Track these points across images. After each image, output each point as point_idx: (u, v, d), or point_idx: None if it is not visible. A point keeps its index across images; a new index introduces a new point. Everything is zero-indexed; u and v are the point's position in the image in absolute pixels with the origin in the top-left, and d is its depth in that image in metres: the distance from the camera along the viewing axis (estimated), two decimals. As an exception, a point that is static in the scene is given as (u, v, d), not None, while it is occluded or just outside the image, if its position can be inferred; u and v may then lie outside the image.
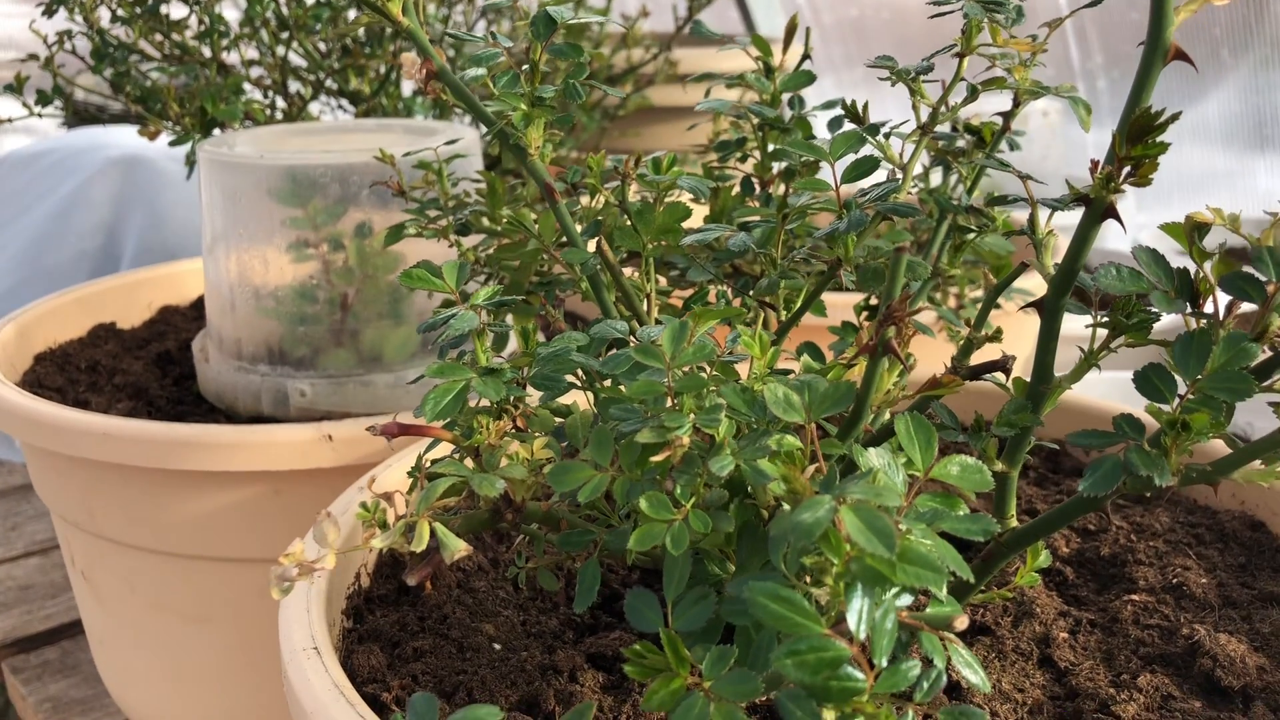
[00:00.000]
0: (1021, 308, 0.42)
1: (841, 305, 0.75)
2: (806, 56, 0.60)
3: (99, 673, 0.90)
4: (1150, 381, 0.39)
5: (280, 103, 1.17)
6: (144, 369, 0.88)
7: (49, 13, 1.05)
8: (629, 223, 0.55)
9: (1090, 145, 1.99)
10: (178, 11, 1.09)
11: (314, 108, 1.20)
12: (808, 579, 0.34)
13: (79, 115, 1.21)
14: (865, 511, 0.30)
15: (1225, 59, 1.72)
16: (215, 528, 0.71)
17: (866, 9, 2.05)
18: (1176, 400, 0.38)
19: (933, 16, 0.45)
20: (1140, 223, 1.87)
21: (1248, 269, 0.39)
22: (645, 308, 0.56)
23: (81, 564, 0.80)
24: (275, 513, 0.71)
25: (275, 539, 0.72)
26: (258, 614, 0.74)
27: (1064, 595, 0.57)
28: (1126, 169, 0.36)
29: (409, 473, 0.44)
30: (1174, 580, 0.56)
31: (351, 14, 1.22)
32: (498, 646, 0.53)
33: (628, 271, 0.57)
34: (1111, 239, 1.73)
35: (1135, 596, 0.55)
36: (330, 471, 0.69)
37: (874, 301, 0.61)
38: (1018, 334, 0.90)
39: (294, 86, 1.19)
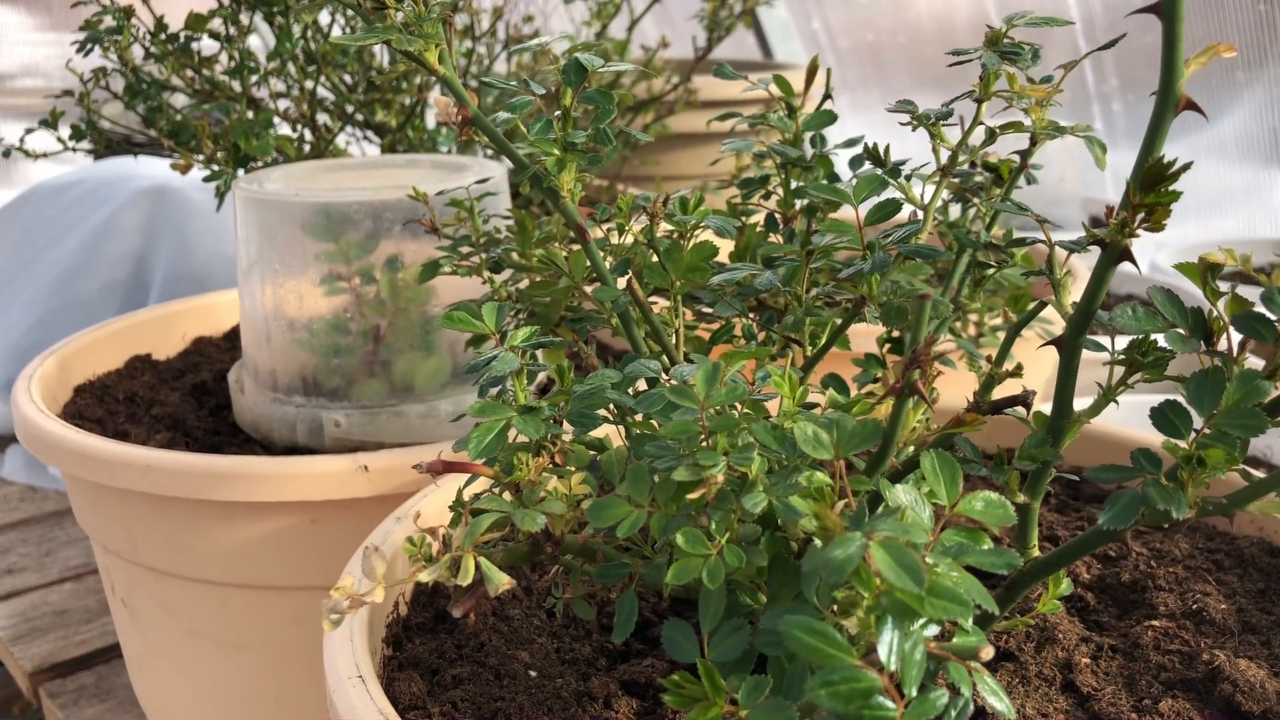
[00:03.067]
0: (1041, 345, 0.44)
1: (864, 334, 0.76)
2: (828, 96, 0.62)
3: (137, 698, 0.92)
4: (1166, 418, 0.40)
5: (308, 135, 1.20)
6: (180, 400, 0.91)
7: (84, 51, 1.08)
8: (658, 261, 0.57)
9: (1109, 169, 2.00)
10: (208, 47, 1.12)
11: (340, 140, 1.23)
12: (836, 610, 0.36)
13: (109, 146, 1.23)
14: (894, 548, 0.32)
15: (1239, 80, 1.74)
16: (253, 557, 0.73)
17: (882, 34, 2.07)
18: (1192, 435, 0.39)
19: (952, 65, 0.47)
20: (1159, 240, 1.88)
21: (1259, 308, 0.40)
22: (674, 342, 0.58)
23: (121, 591, 0.82)
24: (312, 542, 0.73)
25: (312, 568, 0.73)
26: (294, 641, 0.76)
27: (1085, 621, 0.58)
28: (1141, 215, 0.38)
29: (450, 506, 0.45)
30: (1194, 606, 0.57)
31: (376, 49, 1.25)
32: (534, 674, 0.54)
33: (656, 307, 0.59)
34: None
35: (1156, 622, 0.56)
36: (366, 501, 0.71)
37: (895, 334, 0.62)
38: (1035, 362, 0.91)
39: (321, 119, 1.22)
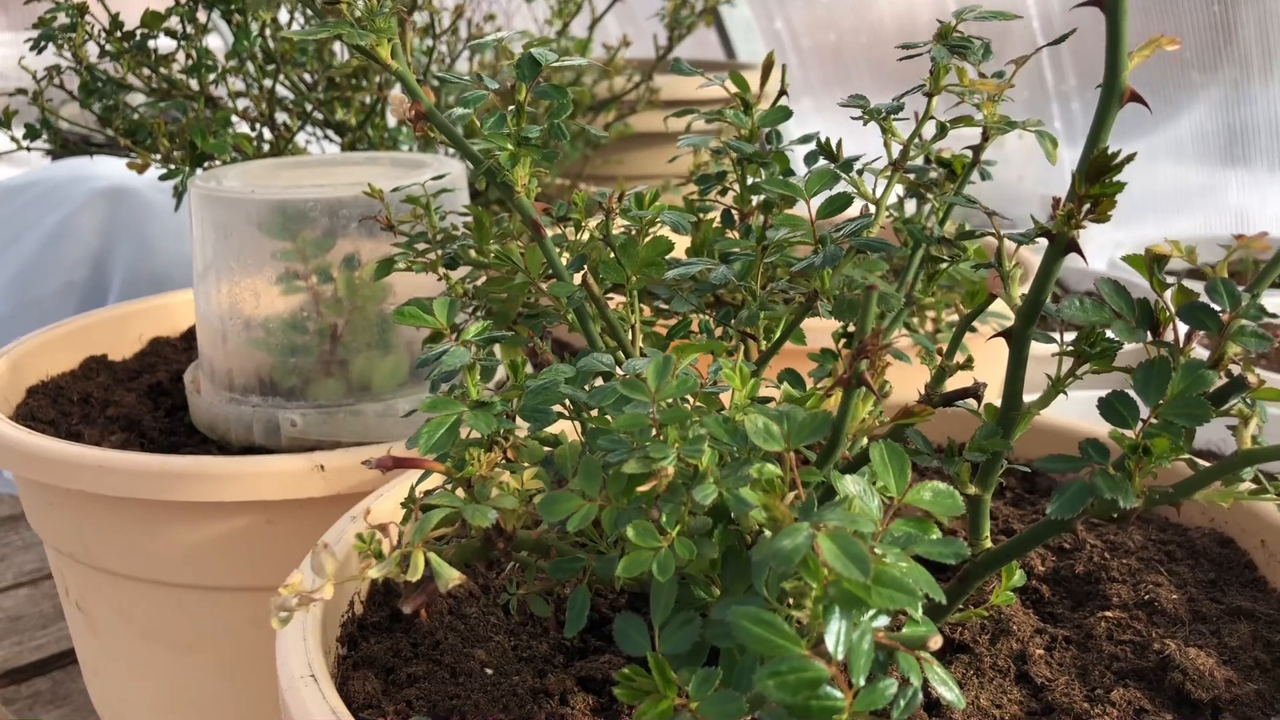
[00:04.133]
0: (990, 337, 0.44)
1: (821, 330, 0.76)
2: (784, 92, 0.62)
3: (93, 703, 0.91)
4: (1113, 408, 0.40)
5: (267, 134, 1.18)
6: (136, 401, 0.90)
7: (37, 49, 1.06)
8: (613, 256, 0.57)
9: (1066, 165, 2.02)
10: (165, 45, 1.10)
11: (300, 139, 1.22)
12: (789, 602, 0.36)
13: (65, 146, 1.22)
14: (841, 538, 0.32)
15: (1195, 79, 1.76)
16: (209, 557, 0.73)
17: (844, 34, 2.08)
18: (1139, 425, 0.40)
19: (902, 59, 0.47)
20: (1118, 239, 1.90)
21: (1204, 299, 0.40)
22: (630, 338, 0.58)
23: (75, 595, 0.81)
24: (268, 542, 0.72)
25: (268, 568, 0.73)
26: (251, 642, 0.75)
27: (1040, 612, 0.58)
28: (1087, 206, 0.38)
29: (402, 503, 0.45)
30: (1146, 596, 0.58)
31: (335, 47, 1.24)
32: (490, 671, 0.54)
33: (613, 303, 0.59)
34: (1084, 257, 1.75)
35: (1109, 613, 0.57)
36: (322, 501, 0.71)
37: (851, 329, 0.62)
38: (988, 358, 0.92)
39: (280, 118, 1.21)
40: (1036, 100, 1.90)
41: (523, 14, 2.30)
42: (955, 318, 0.81)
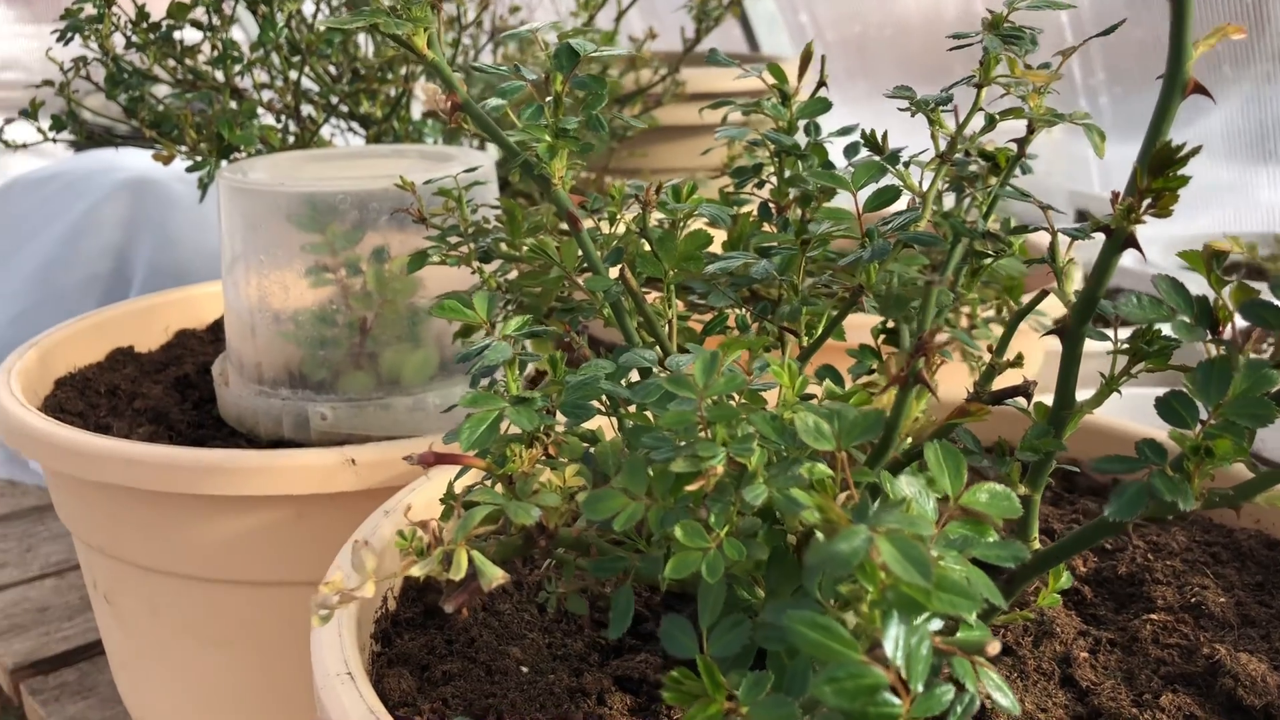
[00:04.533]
0: (1043, 334, 0.43)
1: (857, 326, 0.75)
2: (822, 84, 0.61)
3: (121, 696, 0.90)
4: (1172, 408, 0.39)
5: (292, 126, 1.18)
6: (163, 393, 0.89)
7: (63, 40, 1.06)
8: (650, 250, 0.56)
9: (1093, 161, 2.00)
10: (190, 37, 1.10)
11: (325, 131, 1.22)
12: (836, 604, 0.35)
13: (90, 138, 1.22)
14: (901, 541, 0.31)
15: (1227, 74, 1.73)
16: (239, 551, 0.72)
17: (870, 26, 2.06)
18: (1199, 426, 0.39)
19: (952, 49, 0.46)
20: (1148, 235, 1.88)
21: (1266, 296, 0.39)
22: (666, 333, 0.57)
23: (104, 588, 0.81)
24: (298, 536, 0.72)
25: (298, 562, 0.72)
26: (280, 638, 0.75)
27: (1083, 614, 0.57)
28: (1147, 201, 0.37)
29: (441, 499, 0.45)
30: (1192, 599, 0.56)
31: (360, 39, 1.24)
32: (525, 669, 0.53)
33: (648, 297, 0.58)
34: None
35: (1154, 616, 0.55)
36: (353, 495, 0.70)
37: (890, 325, 0.61)
38: (1027, 351, 0.90)
39: (305, 110, 1.20)
40: (1065, 94, 1.88)
41: (545, 7, 2.29)
42: (990, 313, 0.79)
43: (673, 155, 1.53)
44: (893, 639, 0.32)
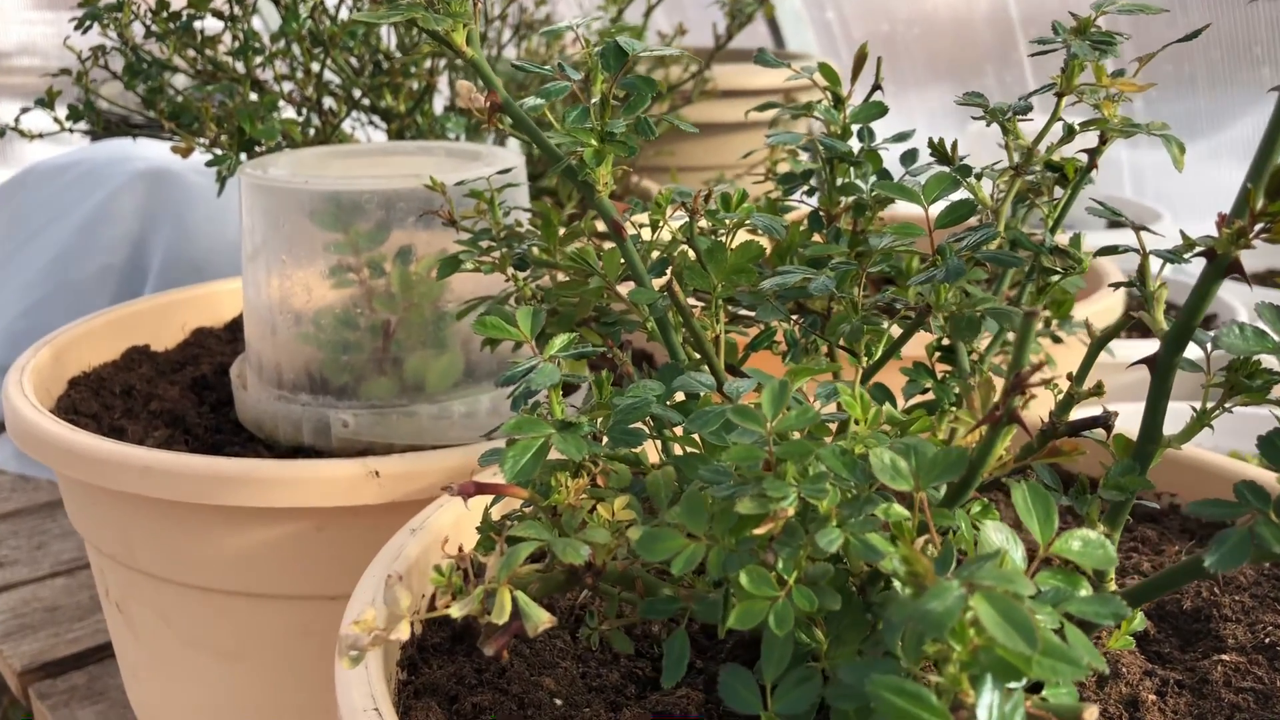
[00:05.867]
0: (1131, 364, 0.40)
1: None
2: (878, 87, 0.58)
3: (132, 705, 0.88)
4: (1277, 447, 0.36)
5: (313, 119, 1.15)
6: (180, 395, 0.87)
7: (82, 28, 1.03)
8: (697, 261, 0.53)
9: (1126, 166, 1.96)
10: (212, 27, 1.07)
11: (346, 125, 1.19)
12: (919, 663, 0.32)
13: (107, 127, 1.19)
14: (1001, 602, 0.28)
15: (1266, 76, 1.70)
16: (256, 564, 0.69)
17: (898, 24, 2.03)
18: (1305, 469, 0.36)
19: (1034, 55, 0.43)
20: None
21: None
22: (713, 350, 0.54)
23: (116, 596, 0.79)
24: (318, 549, 0.69)
25: (318, 576, 0.70)
26: (298, 653, 0.72)
27: (1146, 652, 0.54)
28: (1260, 225, 0.34)
29: (478, 528, 0.42)
30: (1266, 639, 0.53)
31: (382, 31, 1.21)
32: (559, 702, 0.50)
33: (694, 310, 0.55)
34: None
35: (1225, 656, 0.52)
36: (376, 509, 0.67)
37: (946, 342, 0.58)
38: (1069, 365, 0.87)
39: (327, 103, 1.17)
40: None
41: (567, 1, 2.25)
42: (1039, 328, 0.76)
43: (700, 153, 1.50)
44: (986, 706, 0.29)
